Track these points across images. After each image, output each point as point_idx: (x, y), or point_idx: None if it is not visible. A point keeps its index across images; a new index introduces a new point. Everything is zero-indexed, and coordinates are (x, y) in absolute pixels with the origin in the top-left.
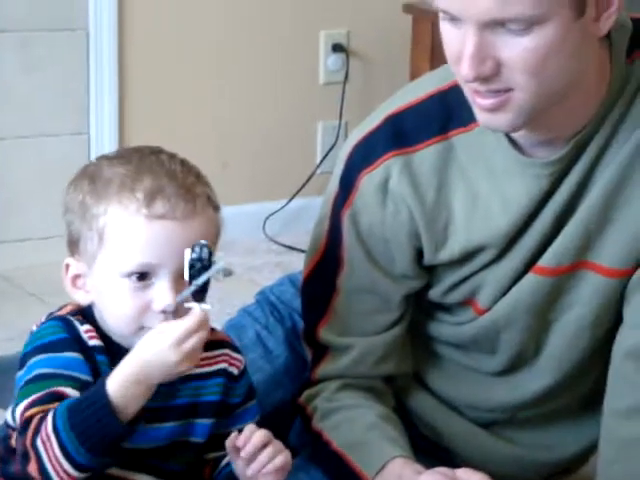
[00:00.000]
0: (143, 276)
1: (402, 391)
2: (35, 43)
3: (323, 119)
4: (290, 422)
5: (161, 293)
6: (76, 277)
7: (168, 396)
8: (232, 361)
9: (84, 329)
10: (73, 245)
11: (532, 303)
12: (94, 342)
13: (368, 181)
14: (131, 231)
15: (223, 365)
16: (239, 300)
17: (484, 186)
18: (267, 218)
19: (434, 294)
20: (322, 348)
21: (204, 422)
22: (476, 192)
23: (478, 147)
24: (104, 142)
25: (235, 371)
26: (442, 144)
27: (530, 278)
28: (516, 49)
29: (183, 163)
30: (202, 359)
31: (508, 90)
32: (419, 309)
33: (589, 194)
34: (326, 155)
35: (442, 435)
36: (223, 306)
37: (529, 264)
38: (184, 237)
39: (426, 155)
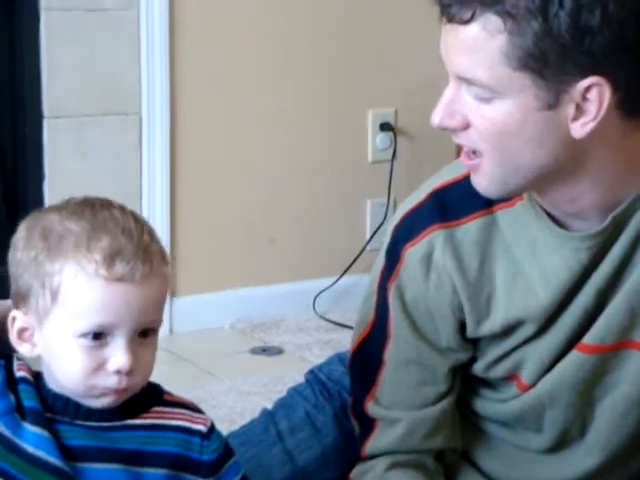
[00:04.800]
0: (98, 336)
1: (450, 469)
2: (89, 128)
3: (372, 197)
4: None
5: (116, 353)
6: (23, 330)
7: (110, 440)
8: (195, 420)
9: (17, 363)
10: (20, 298)
11: (576, 381)
12: (22, 374)
13: (412, 253)
14: (88, 293)
15: (182, 423)
16: (289, 378)
17: (526, 260)
18: (317, 295)
19: (478, 369)
20: (370, 422)
21: (155, 472)
22: (518, 266)
23: (520, 221)
24: (156, 225)
25: (202, 428)
26: (486, 218)
27: (574, 355)
28: (478, 114)
29: (136, 219)
30: (155, 412)
31: (480, 155)
32: (465, 386)
33: (632, 271)
34: (375, 232)
35: None
36: (274, 384)
37: (572, 341)
38: (142, 298)
39: (470, 229)
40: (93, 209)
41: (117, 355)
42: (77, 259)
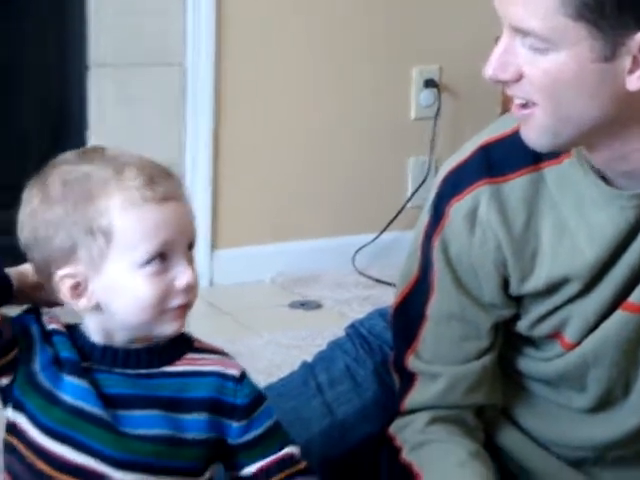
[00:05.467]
0: (159, 260)
1: (490, 425)
2: (133, 78)
3: (414, 154)
4: (379, 454)
5: (181, 271)
6: (76, 286)
7: (147, 387)
8: (228, 365)
9: (46, 317)
10: (61, 258)
11: (621, 340)
12: (53, 326)
13: (457, 209)
14: (140, 220)
15: (216, 368)
16: (328, 332)
17: (572, 218)
18: (356, 252)
19: (521, 326)
20: (410, 376)
21: (194, 417)
22: (564, 223)
23: (568, 179)
24: (198, 176)
25: (234, 372)
26: (533, 175)
27: (618, 315)
28: (532, 65)
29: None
30: (189, 359)
31: (533, 105)
32: (508, 344)
33: None
34: (416, 190)
35: (529, 472)
36: (313, 338)
37: (618, 300)
38: (185, 213)
39: (516, 185)
40: (98, 152)
41: (183, 272)
42: (116, 193)
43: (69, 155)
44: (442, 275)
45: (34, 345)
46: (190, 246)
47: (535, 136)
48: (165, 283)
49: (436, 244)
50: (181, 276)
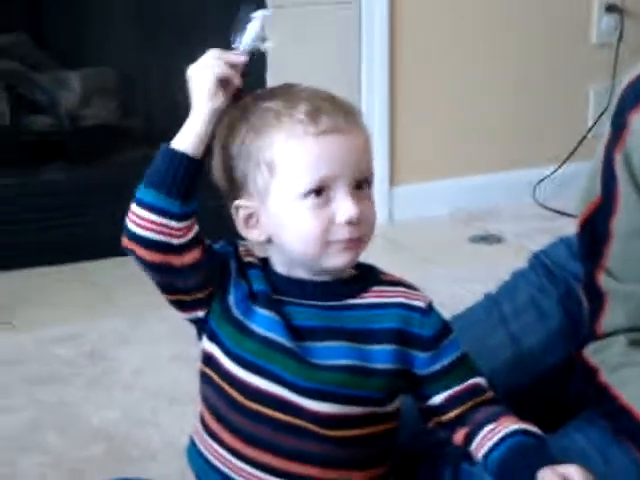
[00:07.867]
0: (320, 192)
1: None
2: (309, 17)
3: (595, 81)
4: (564, 383)
5: (343, 205)
6: (248, 217)
7: (335, 319)
8: (412, 296)
9: (243, 249)
10: (237, 190)
11: None
12: (249, 259)
13: (639, 120)
14: (302, 152)
15: (400, 299)
16: (509, 265)
17: None
18: (537, 184)
19: None
20: (601, 297)
21: (381, 348)
22: None
23: None
24: (375, 115)
25: (420, 304)
26: None
27: None
28: None
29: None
30: (374, 291)
31: None
32: None
33: None
34: (598, 119)
35: None
36: (494, 271)
37: None
38: (352, 147)
39: None
40: (282, 89)
41: (344, 205)
42: (283, 127)
43: (260, 91)
44: (626, 189)
45: (231, 279)
46: (360, 181)
47: None
48: (326, 216)
49: (618, 158)
50: (342, 210)
